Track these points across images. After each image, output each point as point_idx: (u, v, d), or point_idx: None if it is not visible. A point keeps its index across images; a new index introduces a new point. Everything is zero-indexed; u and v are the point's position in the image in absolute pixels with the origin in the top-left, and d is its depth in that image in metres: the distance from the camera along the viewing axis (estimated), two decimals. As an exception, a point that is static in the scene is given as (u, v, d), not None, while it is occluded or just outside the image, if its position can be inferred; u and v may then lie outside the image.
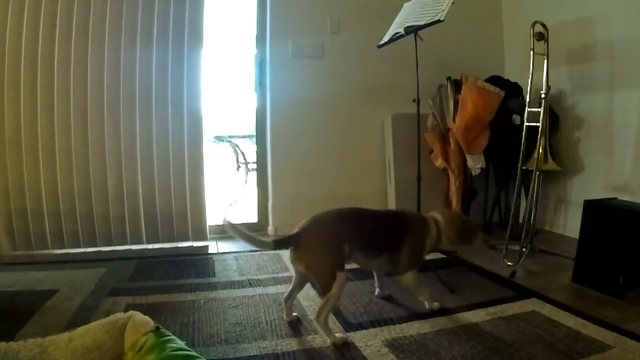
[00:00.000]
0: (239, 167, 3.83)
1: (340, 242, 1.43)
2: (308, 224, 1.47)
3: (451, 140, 2.85)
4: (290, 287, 1.58)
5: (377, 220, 1.61)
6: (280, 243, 1.45)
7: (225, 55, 3.45)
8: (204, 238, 2.68)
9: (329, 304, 1.38)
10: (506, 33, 3.40)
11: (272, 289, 1.91)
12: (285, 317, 1.58)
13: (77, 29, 2.41)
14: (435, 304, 1.67)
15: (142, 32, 2.50)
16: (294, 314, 1.59)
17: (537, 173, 2.22)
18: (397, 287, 1.83)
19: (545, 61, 2.19)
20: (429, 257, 2.31)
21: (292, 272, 2.15)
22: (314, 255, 1.41)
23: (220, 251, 2.59)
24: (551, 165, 2.27)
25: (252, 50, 2.99)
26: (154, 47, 2.53)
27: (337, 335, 1.41)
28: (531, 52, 2.19)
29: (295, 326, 1.54)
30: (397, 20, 2.43)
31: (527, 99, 2.24)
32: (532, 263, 2.24)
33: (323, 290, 1.40)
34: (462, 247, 1.75)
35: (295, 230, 1.47)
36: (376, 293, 1.81)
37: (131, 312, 1.18)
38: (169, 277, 2.08)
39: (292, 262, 1.48)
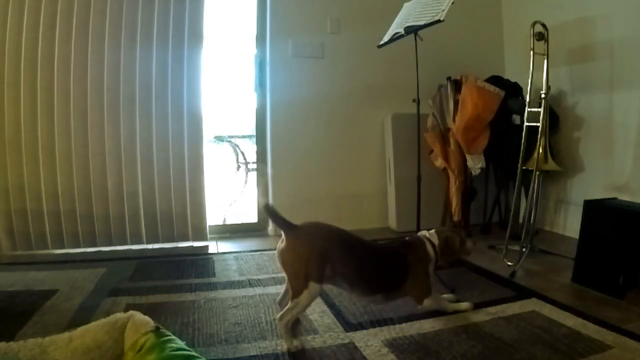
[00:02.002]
0: (239, 167, 3.82)
1: (324, 257, 1.39)
2: (304, 225, 1.45)
3: (451, 140, 2.85)
4: (283, 288, 1.55)
5: (373, 257, 1.55)
6: (277, 218, 1.42)
7: (225, 55, 3.45)
8: (204, 238, 2.68)
9: (295, 309, 1.36)
10: (506, 33, 3.40)
11: (272, 289, 1.91)
12: None
13: (77, 29, 2.41)
14: (465, 304, 1.68)
15: (142, 32, 2.50)
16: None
17: (537, 173, 2.22)
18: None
19: (545, 61, 2.19)
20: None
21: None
22: (293, 256, 1.39)
23: (220, 251, 2.59)
24: (551, 165, 2.27)
25: (252, 50, 2.99)
26: (154, 47, 2.53)
27: (295, 342, 1.38)
28: (531, 52, 2.19)
29: (294, 326, 1.54)
30: (397, 20, 2.43)
31: (527, 99, 2.24)
32: (532, 263, 2.24)
33: (293, 294, 1.38)
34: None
35: (295, 223, 1.45)
36: None
37: (131, 312, 1.18)
38: (169, 277, 2.08)
39: (276, 254, 1.45)
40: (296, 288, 1.37)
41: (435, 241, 1.64)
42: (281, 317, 1.38)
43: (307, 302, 1.38)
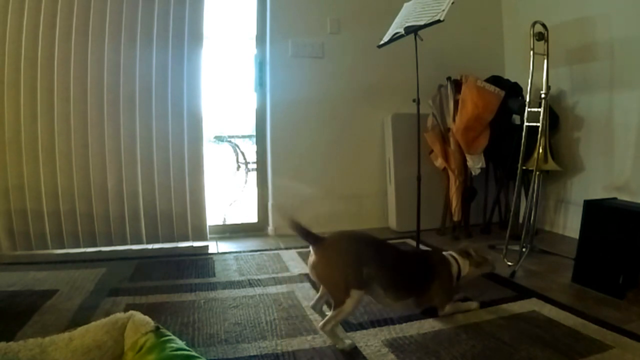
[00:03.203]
0: (239, 167, 3.83)
1: (359, 262, 1.38)
2: (332, 235, 1.44)
3: (451, 140, 2.85)
4: (317, 296, 1.54)
5: (403, 259, 1.56)
6: (304, 232, 1.40)
7: (225, 55, 3.45)
8: (204, 238, 2.68)
9: (338, 316, 1.35)
10: (506, 33, 3.40)
11: (272, 289, 1.91)
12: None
13: (77, 29, 2.41)
14: (474, 303, 1.68)
15: (142, 32, 2.50)
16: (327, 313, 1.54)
17: (537, 173, 2.22)
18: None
19: (545, 61, 2.19)
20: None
21: (292, 272, 2.16)
22: (328, 268, 1.38)
23: (220, 251, 2.59)
24: (551, 165, 2.27)
25: (252, 50, 2.99)
26: (154, 47, 2.53)
27: (346, 341, 1.38)
28: (531, 52, 2.19)
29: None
30: (397, 20, 2.43)
31: (527, 99, 2.24)
32: (532, 263, 2.24)
33: (335, 304, 1.36)
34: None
35: (323, 235, 1.43)
36: None
37: (131, 312, 1.18)
38: (169, 277, 2.08)
39: (309, 269, 1.44)
40: (338, 298, 1.35)
41: (461, 264, 1.65)
42: (324, 326, 1.36)
43: (351, 310, 1.36)
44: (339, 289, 1.35)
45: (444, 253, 1.70)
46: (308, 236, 1.41)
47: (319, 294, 1.53)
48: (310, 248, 1.42)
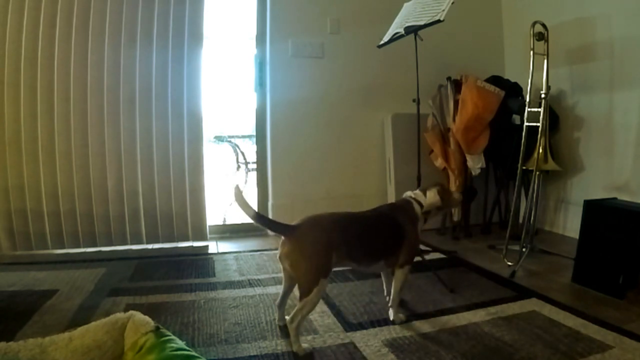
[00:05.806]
0: (239, 167, 3.83)
1: (330, 249, 1.39)
2: (302, 223, 1.44)
3: (451, 140, 2.85)
4: (281, 291, 1.53)
5: (371, 227, 1.54)
6: (272, 224, 1.43)
7: (225, 55, 3.45)
8: (204, 238, 2.68)
9: (305, 308, 1.35)
10: (506, 33, 3.40)
11: (272, 289, 1.91)
12: (277, 322, 1.55)
13: (77, 29, 2.41)
14: (400, 316, 1.60)
15: (142, 32, 2.50)
16: (287, 317, 1.54)
17: (537, 173, 2.22)
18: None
19: (545, 61, 2.19)
20: (428, 257, 2.33)
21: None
22: (301, 256, 1.38)
23: (220, 251, 2.59)
24: (551, 165, 2.27)
25: (252, 50, 2.99)
26: (154, 47, 2.53)
27: (303, 345, 1.37)
28: (531, 52, 2.19)
29: (283, 329, 1.53)
30: (397, 20, 2.43)
31: (527, 99, 2.24)
32: (532, 263, 2.24)
33: (302, 293, 1.36)
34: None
35: (292, 224, 1.43)
36: (387, 299, 1.70)
37: (131, 312, 1.18)
38: (169, 277, 2.08)
39: (280, 257, 1.44)
40: (306, 287, 1.35)
41: (422, 199, 1.64)
42: (292, 320, 1.35)
43: (317, 299, 1.37)
44: (309, 278, 1.35)
45: (407, 197, 1.67)
46: (276, 227, 1.42)
47: (283, 289, 1.52)
48: (282, 237, 1.42)
